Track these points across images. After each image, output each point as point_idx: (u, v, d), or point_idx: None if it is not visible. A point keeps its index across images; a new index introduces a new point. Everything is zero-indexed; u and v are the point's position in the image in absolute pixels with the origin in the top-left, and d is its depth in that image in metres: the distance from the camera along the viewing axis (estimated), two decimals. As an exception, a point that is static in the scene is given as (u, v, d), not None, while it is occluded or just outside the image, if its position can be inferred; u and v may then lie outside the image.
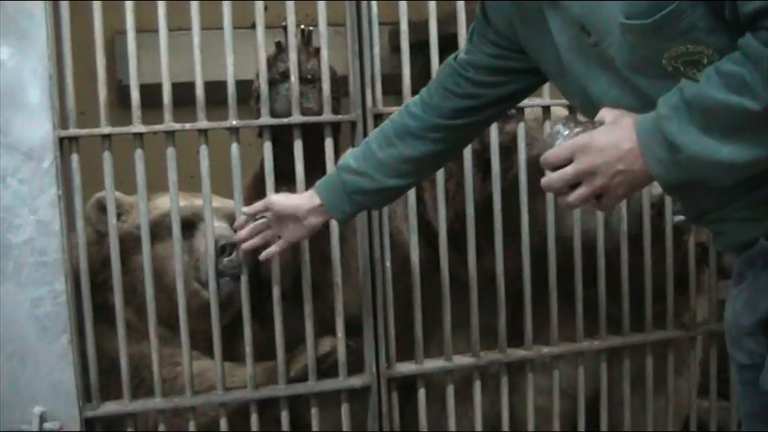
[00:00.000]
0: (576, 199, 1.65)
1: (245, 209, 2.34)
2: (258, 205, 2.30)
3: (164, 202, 2.56)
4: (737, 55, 1.50)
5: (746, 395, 1.77)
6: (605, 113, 1.66)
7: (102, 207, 2.49)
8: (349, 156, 2.18)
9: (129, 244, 2.51)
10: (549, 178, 1.65)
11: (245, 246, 2.34)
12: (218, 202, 2.61)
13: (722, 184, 1.59)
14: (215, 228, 2.45)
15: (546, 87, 2.52)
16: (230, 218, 2.59)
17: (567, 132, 1.65)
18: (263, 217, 2.29)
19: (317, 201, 2.18)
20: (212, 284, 2.42)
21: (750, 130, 1.50)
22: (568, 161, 1.62)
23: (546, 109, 2.62)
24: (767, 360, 1.65)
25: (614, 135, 1.60)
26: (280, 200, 2.26)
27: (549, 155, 1.65)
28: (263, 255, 2.32)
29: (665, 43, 1.58)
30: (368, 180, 2.11)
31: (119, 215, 2.47)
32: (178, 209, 2.41)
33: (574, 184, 1.63)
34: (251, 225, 2.32)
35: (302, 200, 2.23)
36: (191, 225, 2.56)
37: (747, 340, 1.71)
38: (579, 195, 1.64)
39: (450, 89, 2.02)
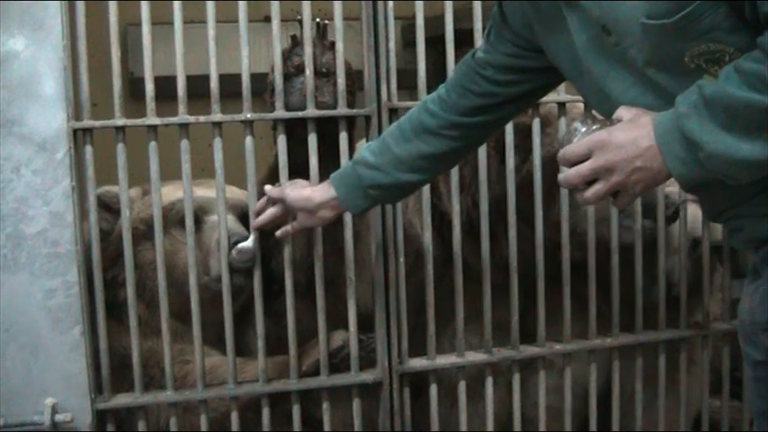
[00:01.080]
0: (593, 195, 1.65)
1: (266, 189, 2.32)
2: (274, 192, 2.29)
3: (165, 194, 2.53)
4: (756, 53, 1.50)
5: (759, 393, 1.77)
6: (623, 111, 1.65)
7: (102, 204, 2.47)
8: (365, 150, 2.17)
9: (134, 239, 2.45)
10: (567, 174, 1.65)
11: (256, 223, 2.34)
12: (227, 192, 2.60)
13: (741, 181, 1.59)
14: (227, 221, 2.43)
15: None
16: (239, 210, 2.58)
17: (584, 129, 1.65)
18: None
19: (331, 193, 2.18)
20: (225, 278, 2.41)
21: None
22: (586, 158, 1.62)
23: (561, 105, 2.61)
24: None
25: (633, 132, 1.59)
26: (291, 193, 2.25)
27: (567, 151, 1.65)
28: (279, 232, 2.31)
29: (686, 42, 1.58)
30: (384, 175, 2.11)
31: (117, 211, 2.46)
32: (191, 201, 2.40)
33: (590, 181, 1.63)
34: (267, 212, 2.31)
35: (314, 192, 2.22)
36: (197, 219, 2.52)
37: (763, 336, 1.71)
38: (596, 192, 1.64)
39: (467, 87, 2.02)
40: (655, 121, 1.59)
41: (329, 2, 2.43)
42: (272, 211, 2.31)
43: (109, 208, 2.54)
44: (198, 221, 2.51)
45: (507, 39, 1.95)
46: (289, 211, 2.28)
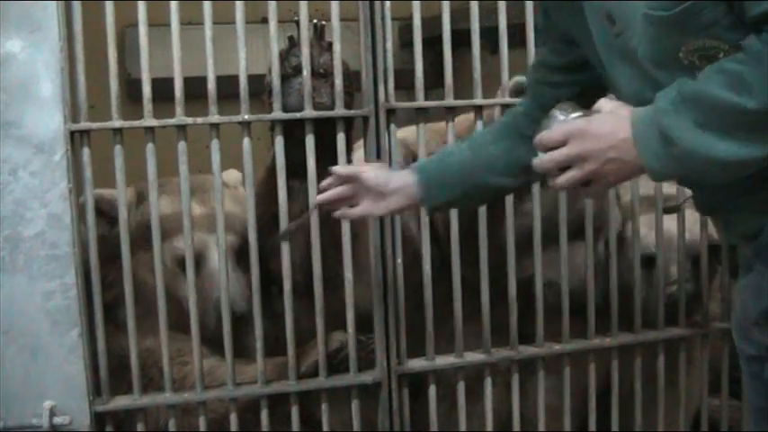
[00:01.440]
0: (565, 181, 1.66)
1: (336, 168, 2.19)
2: (345, 170, 2.18)
3: (162, 210, 2.50)
4: (740, 54, 1.51)
5: (754, 389, 1.78)
6: (604, 103, 1.67)
7: (96, 209, 2.42)
8: (456, 146, 2.14)
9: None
10: (542, 159, 1.67)
11: (319, 198, 2.19)
12: (229, 203, 2.59)
13: (716, 180, 1.61)
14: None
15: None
16: (239, 230, 2.59)
17: (563, 117, 1.68)
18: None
19: (411, 180, 2.09)
20: (223, 278, 2.42)
21: (746, 128, 1.51)
22: (562, 144, 1.64)
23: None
24: None
25: (611, 124, 1.61)
26: (369, 172, 2.13)
27: (544, 136, 1.67)
28: (338, 213, 2.17)
29: (684, 36, 1.58)
30: (472, 173, 2.06)
31: (111, 217, 2.47)
32: (189, 203, 2.40)
33: (565, 168, 1.64)
34: (334, 190, 2.15)
35: (394, 176, 2.13)
36: (196, 262, 2.50)
37: (755, 330, 1.71)
38: (569, 178, 1.66)
39: (537, 99, 2.01)
40: (634, 115, 1.60)
41: (326, 2, 2.43)
42: (339, 190, 2.15)
43: (102, 213, 2.51)
44: (198, 263, 2.50)
45: (555, 36, 1.95)
46: (355, 194, 2.14)
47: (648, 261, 2.78)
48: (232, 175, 2.79)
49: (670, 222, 2.75)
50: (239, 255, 2.59)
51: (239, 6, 2.38)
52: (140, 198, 2.62)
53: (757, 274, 1.71)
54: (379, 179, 2.10)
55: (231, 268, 2.54)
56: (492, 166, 2.05)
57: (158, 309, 2.39)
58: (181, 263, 2.48)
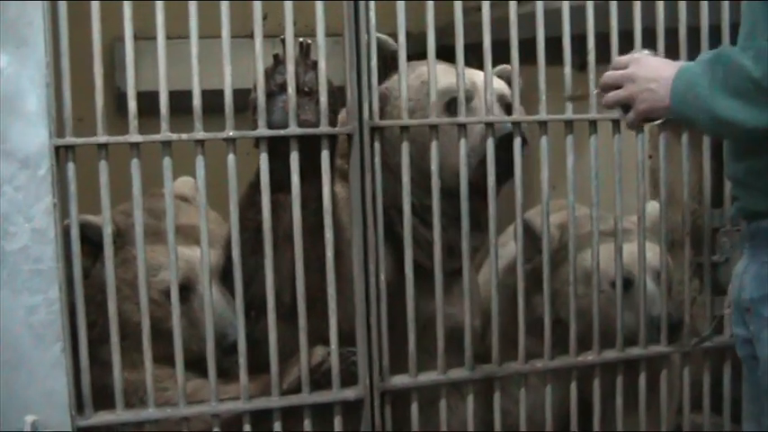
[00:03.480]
0: (611, 98, 2.06)
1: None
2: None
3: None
4: None
5: (746, 375, 2.09)
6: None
7: (83, 237, 2.39)
8: None
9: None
10: (605, 75, 2.10)
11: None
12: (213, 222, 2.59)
13: (713, 134, 2.10)
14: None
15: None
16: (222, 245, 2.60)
17: (636, 54, 2.09)
18: None
19: None
20: (207, 297, 2.42)
21: (748, 95, 1.77)
22: (625, 68, 2.03)
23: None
24: None
25: (664, 63, 2.00)
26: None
27: (616, 59, 2.12)
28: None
29: None
30: None
31: (96, 244, 2.46)
32: (174, 217, 2.41)
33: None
34: None
35: None
36: (185, 289, 2.53)
37: (755, 309, 1.95)
38: (615, 94, 2.05)
39: None
40: (684, 64, 1.96)
41: (314, 18, 2.43)
42: None
43: (86, 239, 2.48)
44: (188, 292, 2.54)
45: None
46: None
47: (627, 284, 2.80)
48: (188, 184, 2.74)
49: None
50: (224, 277, 2.59)
51: (225, 21, 2.38)
52: (120, 233, 2.59)
53: (751, 258, 1.96)
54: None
55: (221, 292, 2.57)
56: None
57: (142, 327, 2.39)
58: (167, 293, 2.44)
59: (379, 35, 2.51)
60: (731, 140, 2.01)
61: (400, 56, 2.53)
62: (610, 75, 2.07)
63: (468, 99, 2.62)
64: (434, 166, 2.55)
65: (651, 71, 1.97)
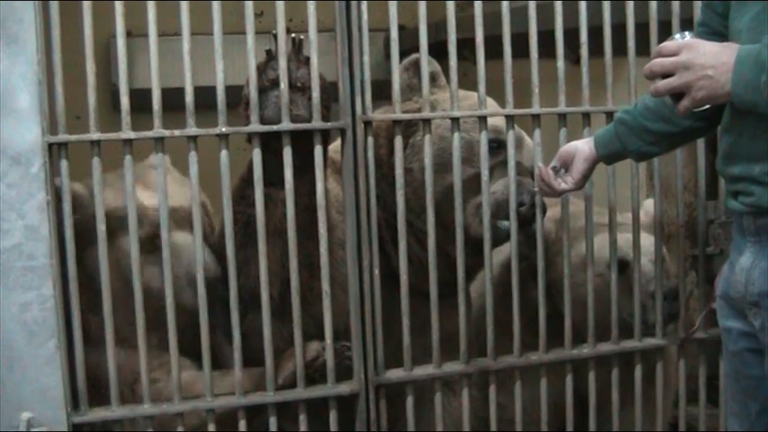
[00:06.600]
0: (664, 86, 1.91)
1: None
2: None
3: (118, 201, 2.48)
4: None
5: (735, 368, 2.10)
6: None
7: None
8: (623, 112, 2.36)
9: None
10: (653, 62, 1.93)
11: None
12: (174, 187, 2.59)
13: None
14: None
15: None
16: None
17: (679, 37, 1.92)
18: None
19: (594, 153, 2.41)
20: (201, 289, 2.42)
21: None
22: (674, 54, 1.88)
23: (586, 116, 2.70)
24: None
25: (720, 48, 1.86)
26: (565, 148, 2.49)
27: (663, 45, 1.93)
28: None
29: None
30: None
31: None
32: (167, 218, 2.40)
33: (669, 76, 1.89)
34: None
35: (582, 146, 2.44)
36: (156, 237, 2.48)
37: (762, 304, 1.93)
38: (668, 82, 1.89)
39: None
40: (742, 48, 1.83)
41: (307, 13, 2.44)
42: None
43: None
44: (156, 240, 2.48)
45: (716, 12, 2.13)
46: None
47: (623, 266, 2.79)
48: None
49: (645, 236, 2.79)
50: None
51: (217, 18, 2.38)
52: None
53: (758, 253, 1.94)
54: (572, 149, 2.46)
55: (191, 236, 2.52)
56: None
57: (136, 318, 2.39)
58: (143, 245, 2.42)
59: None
60: None
61: (393, 52, 2.53)
62: (660, 62, 1.90)
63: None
64: (428, 160, 2.55)
65: (708, 58, 1.84)
